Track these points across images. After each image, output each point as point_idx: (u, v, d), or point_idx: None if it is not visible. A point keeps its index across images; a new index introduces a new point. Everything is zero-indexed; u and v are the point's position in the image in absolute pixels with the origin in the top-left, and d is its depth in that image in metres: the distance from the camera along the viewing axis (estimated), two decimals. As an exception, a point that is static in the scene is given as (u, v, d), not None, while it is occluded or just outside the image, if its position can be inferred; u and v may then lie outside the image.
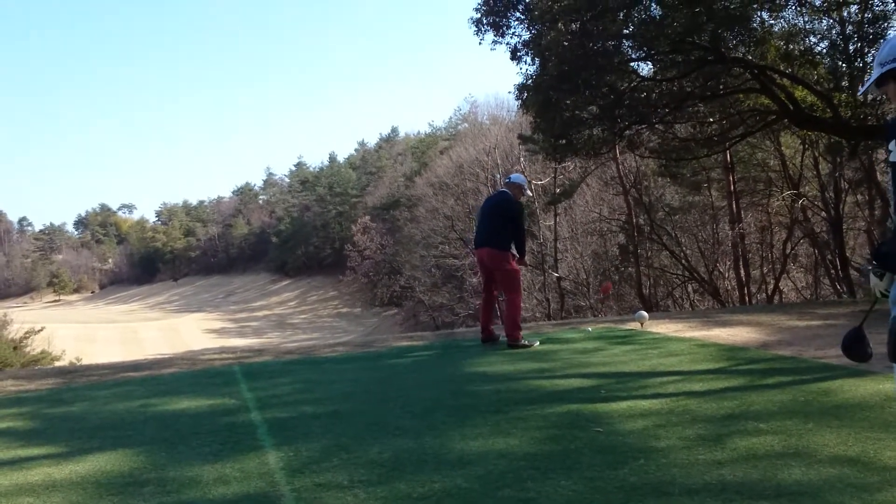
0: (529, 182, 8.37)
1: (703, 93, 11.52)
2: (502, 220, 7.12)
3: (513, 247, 7.17)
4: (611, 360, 5.98)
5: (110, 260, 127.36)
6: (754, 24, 10.61)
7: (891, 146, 2.69)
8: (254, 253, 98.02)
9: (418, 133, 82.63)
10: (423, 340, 8.23)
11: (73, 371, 7.33)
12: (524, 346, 6.89)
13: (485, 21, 11.63)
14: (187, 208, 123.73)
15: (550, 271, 27.53)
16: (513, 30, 11.64)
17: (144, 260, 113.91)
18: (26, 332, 32.02)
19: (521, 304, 7.29)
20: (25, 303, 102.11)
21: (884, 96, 2.69)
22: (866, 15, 10.97)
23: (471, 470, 3.25)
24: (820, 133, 15.02)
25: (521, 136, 27.31)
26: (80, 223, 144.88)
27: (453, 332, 9.80)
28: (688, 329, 7.67)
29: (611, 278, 27.98)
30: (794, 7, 11.36)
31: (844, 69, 11.59)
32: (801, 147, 18.77)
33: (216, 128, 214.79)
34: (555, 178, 29.04)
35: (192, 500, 3.04)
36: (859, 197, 19.36)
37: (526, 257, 7.61)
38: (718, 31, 10.05)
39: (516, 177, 7.55)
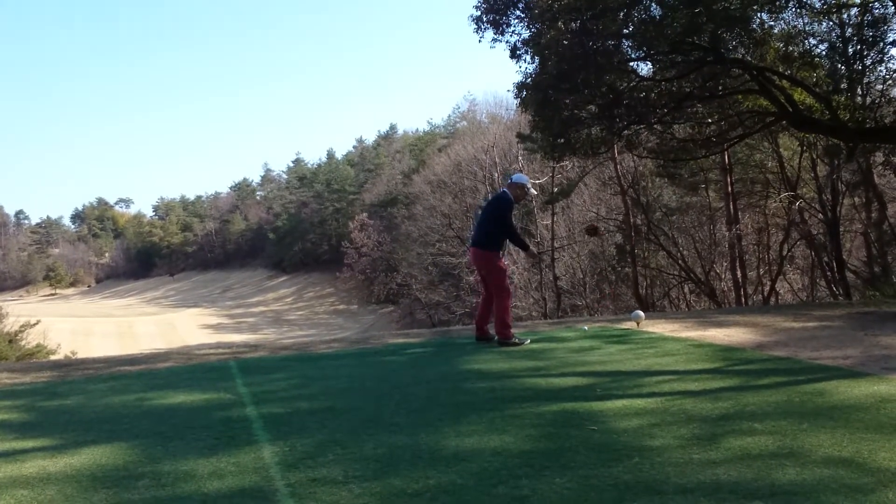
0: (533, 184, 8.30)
1: (702, 93, 11.52)
2: (491, 220, 7.08)
3: (504, 246, 7.14)
4: (606, 359, 5.99)
5: (107, 254, 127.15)
6: (754, 26, 10.61)
7: None
8: (251, 249, 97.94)
9: (417, 131, 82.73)
10: (419, 338, 8.24)
11: (69, 364, 7.33)
12: (515, 344, 6.89)
13: (485, 19, 11.61)
14: (184, 203, 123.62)
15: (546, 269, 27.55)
16: (512, 28, 11.63)
17: (141, 255, 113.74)
18: (22, 326, 31.94)
19: (512, 303, 7.27)
20: (21, 296, 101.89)
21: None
22: (866, 18, 10.99)
23: (465, 467, 3.25)
24: (818, 135, 15.05)
25: (519, 135, 27.34)
26: (77, 217, 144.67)
27: (449, 330, 9.81)
28: (683, 329, 7.68)
29: (608, 278, 28.02)
30: (793, 9, 11.36)
31: (843, 72, 11.61)
32: (799, 149, 18.81)
33: (214, 123, 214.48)
34: (553, 177, 29.07)
35: (186, 494, 3.03)
36: (856, 199, 19.42)
37: (531, 248, 7.50)
38: (718, 31, 10.04)
39: (518, 177, 7.44)
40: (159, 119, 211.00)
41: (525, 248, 7.31)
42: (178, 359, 7.08)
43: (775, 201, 20.28)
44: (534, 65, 11.44)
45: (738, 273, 21.54)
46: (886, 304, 9.85)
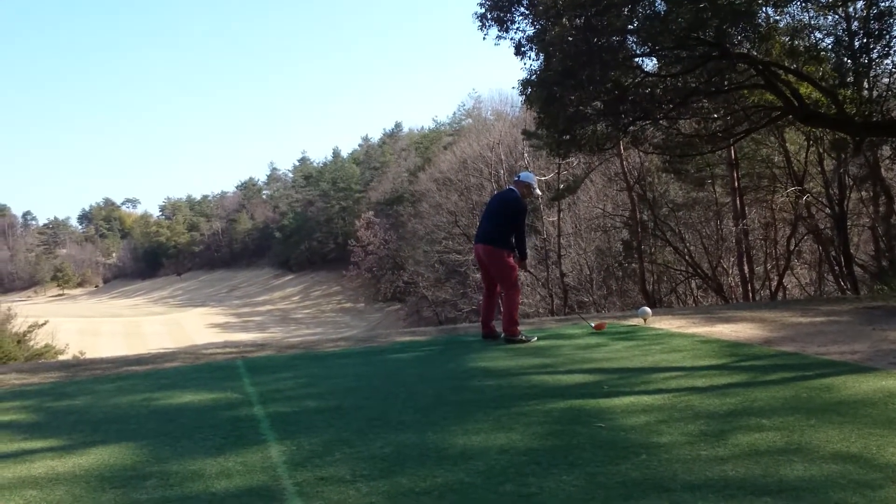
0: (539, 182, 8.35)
1: (708, 89, 11.47)
2: (503, 218, 7.07)
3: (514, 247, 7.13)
4: (613, 356, 5.97)
5: (114, 254, 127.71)
6: (759, 20, 10.57)
7: None
8: (257, 248, 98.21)
9: (422, 128, 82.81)
10: (425, 336, 8.23)
11: (77, 365, 7.35)
12: (522, 342, 6.88)
13: (489, 16, 11.60)
14: (191, 203, 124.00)
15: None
16: (517, 25, 11.61)
17: (148, 254, 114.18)
18: (30, 326, 32.08)
19: (520, 300, 7.26)
20: (29, 297, 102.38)
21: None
22: (872, 11, 10.93)
23: (472, 465, 3.25)
24: (824, 129, 14.98)
25: (525, 132, 27.35)
26: (84, 217, 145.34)
27: (456, 328, 9.80)
28: (691, 325, 7.66)
29: (614, 274, 27.98)
30: (799, 3, 11.32)
31: (850, 65, 11.55)
32: (806, 143, 18.73)
33: (220, 123, 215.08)
34: (558, 173, 29.04)
35: (194, 494, 3.04)
36: (864, 193, 19.32)
37: (527, 260, 7.55)
38: (723, 26, 10.01)
39: (525, 175, 7.43)
40: (165, 119, 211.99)
41: (525, 258, 7.29)
42: (185, 358, 7.10)
43: (782, 196, 20.21)
44: (538, 61, 11.44)
45: (746, 268, 21.48)
46: (894, 299, 9.81)
